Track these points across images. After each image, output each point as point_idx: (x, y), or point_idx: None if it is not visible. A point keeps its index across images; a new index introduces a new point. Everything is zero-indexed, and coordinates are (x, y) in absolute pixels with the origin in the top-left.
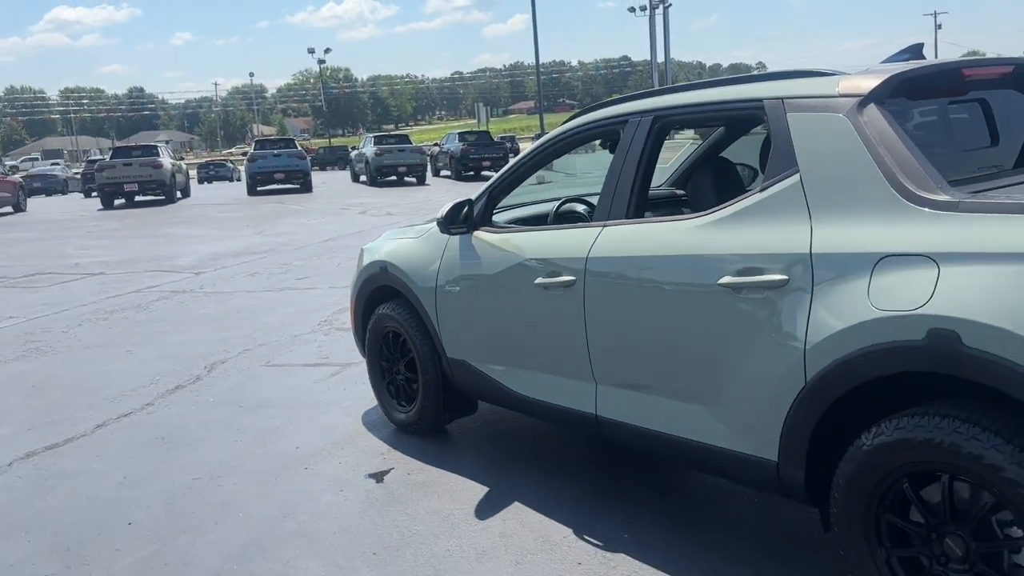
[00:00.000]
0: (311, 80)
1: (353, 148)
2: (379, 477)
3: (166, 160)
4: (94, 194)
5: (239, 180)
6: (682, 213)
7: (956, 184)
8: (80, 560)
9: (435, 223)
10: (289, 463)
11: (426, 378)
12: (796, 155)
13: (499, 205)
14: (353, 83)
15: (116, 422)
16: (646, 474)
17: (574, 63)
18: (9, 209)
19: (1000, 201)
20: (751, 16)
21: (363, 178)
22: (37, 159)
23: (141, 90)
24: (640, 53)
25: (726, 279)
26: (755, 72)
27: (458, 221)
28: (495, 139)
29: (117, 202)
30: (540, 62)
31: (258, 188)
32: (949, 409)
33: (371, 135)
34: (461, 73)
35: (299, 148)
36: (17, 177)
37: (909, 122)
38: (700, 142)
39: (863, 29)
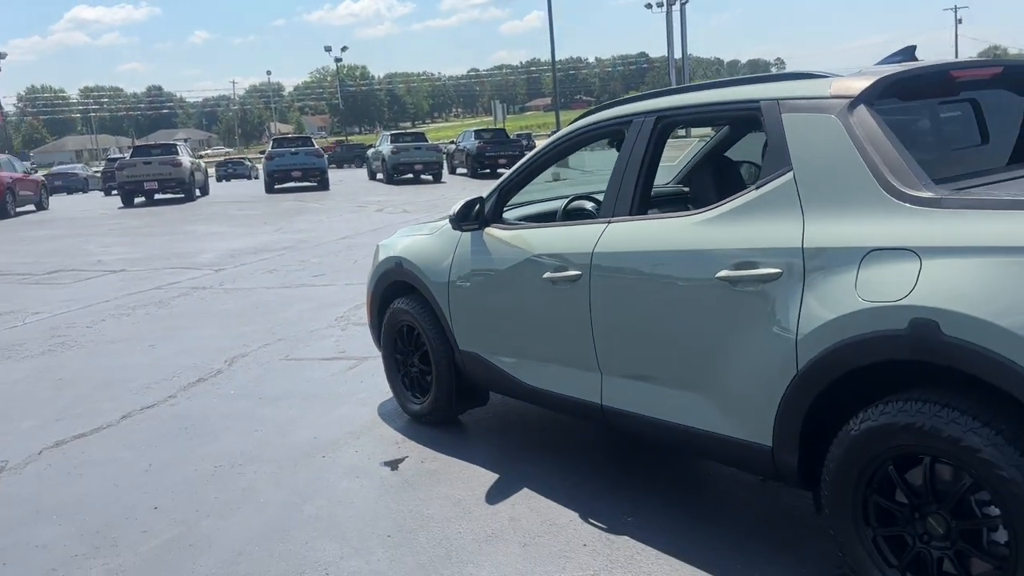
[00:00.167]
0: (328, 78)
1: (370, 146)
2: (394, 465)
3: (185, 158)
4: (114, 192)
5: (257, 178)
6: (686, 210)
7: (943, 181)
8: (109, 541)
9: (448, 220)
10: (307, 452)
11: (439, 370)
12: (790, 154)
13: (509, 203)
14: (370, 81)
15: (140, 413)
16: (650, 461)
17: (591, 60)
18: (32, 207)
19: (980, 197)
20: (770, 12)
21: (380, 176)
22: (66, 161)
23: (160, 89)
24: (658, 49)
25: (723, 272)
26: (774, 69)
27: (470, 218)
28: (511, 136)
29: (137, 200)
30: (557, 59)
31: (276, 186)
32: (930, 395)
33: (387, 133)
34: (478, 70)
35: (316, 146)
36: (40, 176)
37: (900, 122)
38: (707, 140)
39: (883, 24)
